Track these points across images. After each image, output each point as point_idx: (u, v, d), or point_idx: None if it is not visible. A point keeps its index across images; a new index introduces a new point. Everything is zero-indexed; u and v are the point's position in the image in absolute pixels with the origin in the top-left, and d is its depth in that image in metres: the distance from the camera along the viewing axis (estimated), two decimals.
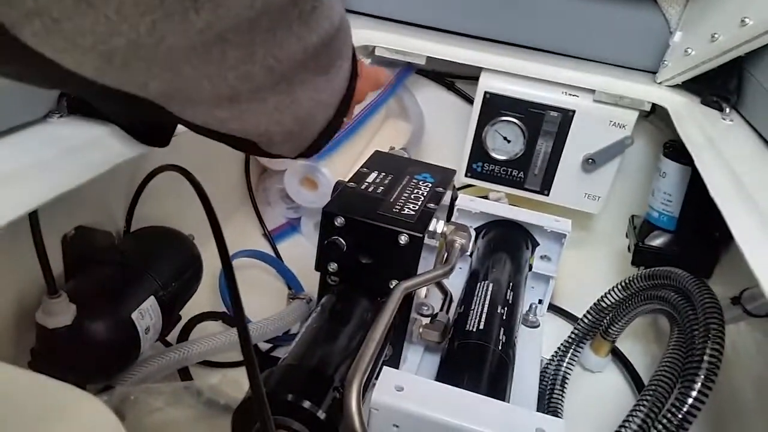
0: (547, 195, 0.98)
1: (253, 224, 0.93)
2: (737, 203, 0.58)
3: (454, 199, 0.77)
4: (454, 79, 1.06)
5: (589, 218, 1.04)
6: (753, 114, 0.76)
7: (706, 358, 0.53)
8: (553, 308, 0.88)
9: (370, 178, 0.66)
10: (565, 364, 0.75)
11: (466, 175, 1.01)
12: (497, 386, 0.58)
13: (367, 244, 0.58)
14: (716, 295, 0.60)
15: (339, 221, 0.58)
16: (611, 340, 0.74)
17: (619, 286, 0.70)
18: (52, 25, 0.20)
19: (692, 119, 0.79)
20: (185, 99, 0.28)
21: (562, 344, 0.78)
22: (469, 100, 1.05)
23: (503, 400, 0.57)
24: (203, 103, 0.29)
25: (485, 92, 0.95)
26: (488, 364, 0.60)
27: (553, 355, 0.78)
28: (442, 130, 1.09)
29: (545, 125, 0.94)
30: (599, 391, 0.76)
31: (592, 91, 0.91)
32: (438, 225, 0.62)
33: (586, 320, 0.75)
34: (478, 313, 0.67)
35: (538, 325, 0.78)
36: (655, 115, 0.94)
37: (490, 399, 0.51)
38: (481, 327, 0.64)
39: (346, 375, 0.48)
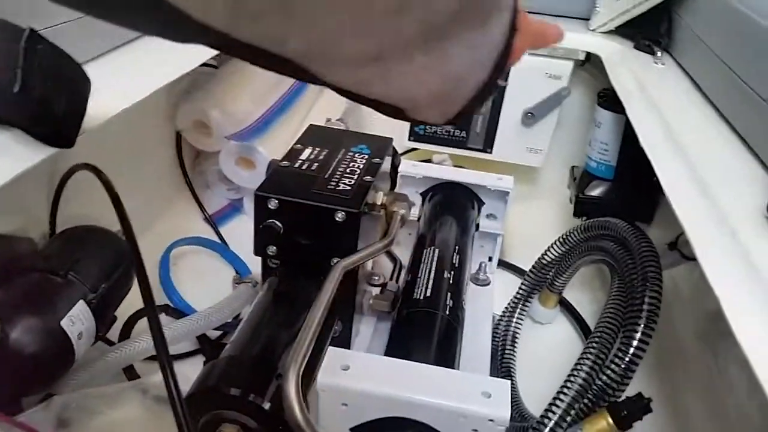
0: (490, 152, 0.98)
1: (194, 209, 0.90)
2: (666, 150, 0.59)
3: (396, 165, 0.76)
4: None
5: (533, 172, 1.05)
6: (683, 56, 0.77)
7: (645, 304, 0.55)
8: (504, 264, 0.89)
9: (304, 155, 0.65)
10: (515, 320, 0.76)
11: (409, 139, 1.00)
12: (446, 352, 0.58)
13: (304, 224, 0.57)
14: (653, 241, 0.62)
15: (272, 204, 0.57)
16: (557, 292, 0.76)
17: (559, 242, 0.71)
18: None
19: (624, 66, 0.79)
20: (327, 58, 0.25)
21: (511, 301, 0.79)
22: None
23: (452, 365, 0.57)
24: (346, 64, 0.26)
25: None
26: (436, 330, 0.60)
27: (503, 312, 0.79)
28: None
29: None
30: (550, 342, 0.78)
31: None
32: (376, 197, 0.61)
33: (530, 277, 0.76)
34: (425, 281, 0.67)
35: (489, 283, 0.79)
36: (590, 64, 0.95)
37: (437, 368, 0.51)
38: (428, 294, 0.65)
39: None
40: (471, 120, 0.96)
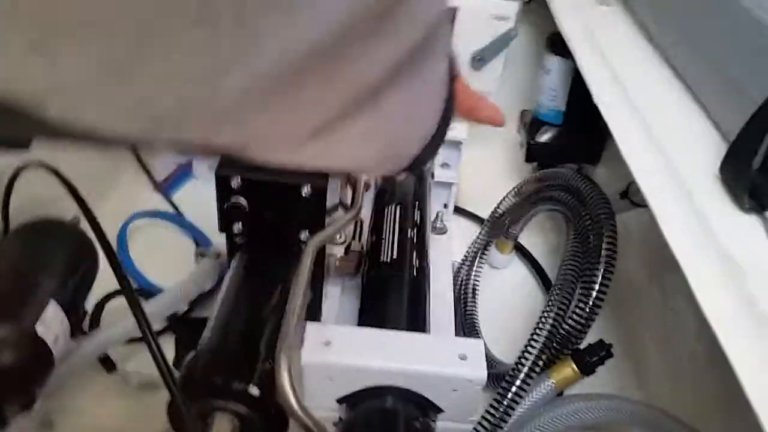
0: None
1: (142, 179, 0.87)
2: (615, 99, 0.61)
3: None
4: None
5: None
6: None
7: (603, 254, 0.58)
8: (459, 211, 0.91)
9: None
10: (474, 270, 0.79)
11: None
12: (417, 314, 0.61)
13: (270, 201, 0.57)
14: (604, 186, 0.65)
15: (235, 182, 0.56)
16: (513, 238, 0.79)
17: (513, 193, 0.73)
18: (78, 101, 0.16)
19: (570, 7, 0.79)
20: (259, 146, 0.23)
21: (470, 250, 0.81)
22: None
23: (423, 326, 0.59)
24: (280, 147, 0.24)
25: None
26: (406, 294, 0.62)
27: (463, 259, 0.82)
28: None
29: None
30: (507, 286, 0.81)
31: None
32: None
33: (486, 228, 0.78)
34: (390, 242, 0.68)
35: (445, 231, 0.81)
36: (536, 3, 0.94)
37: (414, 335, 0.53)
38: (395, 256, 0.66)
39: (271, 342, 0.49)
40: None
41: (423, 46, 0.25)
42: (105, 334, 0.57)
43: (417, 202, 0.75)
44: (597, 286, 0.57)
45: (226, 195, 0.56)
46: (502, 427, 0.53)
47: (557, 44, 0.77)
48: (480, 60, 0.93)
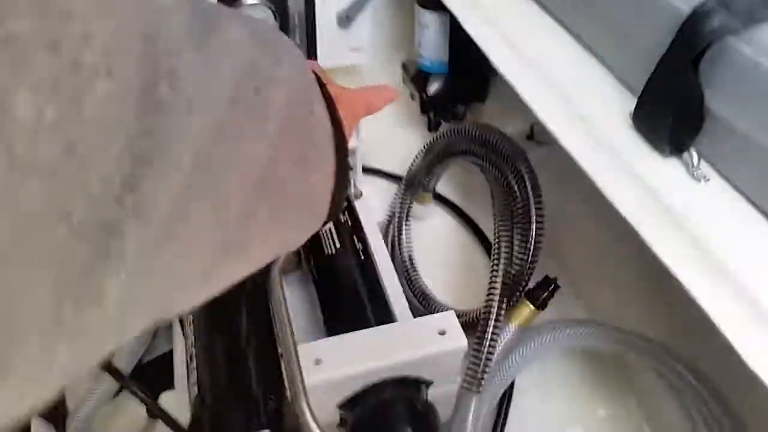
0: (315, 59, 0.96)
1: None
2: (499, 46, 0.64)
3: None
4: None
5: (362, 72, 1.05)
6: None
7: (531, 202, 0.63)
8: (368, 171, 0.93)
9: None
10: (403, 231, 0.82)
11: None
12: (381, 304, 0.63)
13: None
14: (504, 127, 0.69)
15: None
16: (431, 190, 0.82)
17: (422, 152, 0.76)
18: None
19: None
20: (165, 306, 0.22)
21: (392, 210, 0.84)
22: None
23: (390, 312, 0.62)
24: (190, 290, 0.23)
25: None
26: (362, 285, 0.64)
27: (388, 219, 0.85)
28: None
29: None
30: (434, 235, 0.86)
31: None
32: None
33: (403, 188, 0.81)
34: (328, 232, 0.69)
35: (361, 194, 0.83)
36: None
37: (392, 326, 0.56)
38: (338, 246, 0.67)
39: (268, 378, 0.50)
40: (288, 36, 0.92)
41: (293, 114, 0.26)
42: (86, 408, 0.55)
43: None
44: (534, 235, 0.63)
45: None
46: (484, 378, 0.59)
47: (428, 0, 0.78)
48: (347, 18, 0.92)
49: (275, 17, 0.89)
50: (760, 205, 0.44)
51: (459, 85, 0.84)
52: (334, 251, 0.67)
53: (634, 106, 0.51)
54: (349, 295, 0.63)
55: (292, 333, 0.49)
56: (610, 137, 0.51)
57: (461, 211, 0.85)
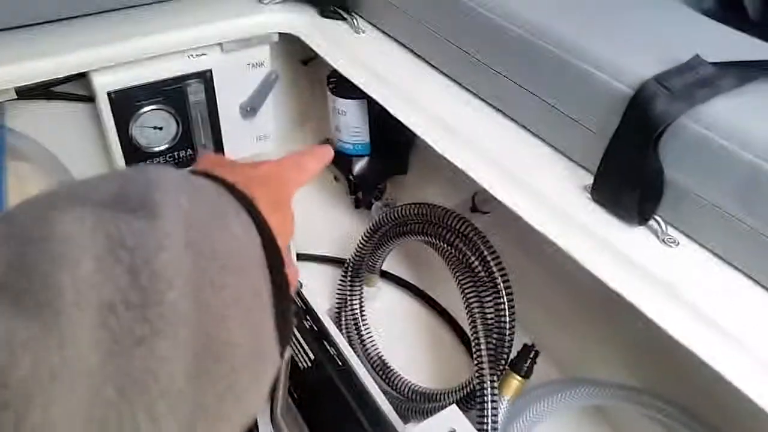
0: (223, 154, 0.93)
1: None
2: (433, 127, 0.65)
3: None
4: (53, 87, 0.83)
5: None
6: (377, 18, 0.81)
7: (497, 276, 0.64)
8: (302, 257, 0.90)
9: None
10: (354, 313, 0.81)
11: None
12: (368, 409, 0.60)
13: None
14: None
15: None
16: (377, 272, 0.82)
17: (363, 238, 0.76)
18: None
19: (332, 44, 0.80)
20: None
21: (340, 296, 0.82)
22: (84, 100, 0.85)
23: (379, 414, 0.60)
24: None
25: (108, 93, 0.78)
26: (349, 395, 0.61)
27: (338, 306, 0.83)
28: (79, 151, 0.88)
29: (190, 96, 0.84)
30: (388, 311, 0.85)
31: (219, 44, 0.83)
32: None
33: (351, 273, 0.80)
34: (298, 344, 0.66)
35: (301, 285, 0.80)
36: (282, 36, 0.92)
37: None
38: (312, 357, 0.64)
39: None
40: (193, 136, 0.88)
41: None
42: None
43: None
44: (505, 300, 0.64)
45: None
46: None
47: (341, 86, 0.78)
48: (251, 110, 0.90)
49: (176, 120, 0.84)
50: (729, 259, 0.48)
51: (382, 163, 0.85)
52: (309, 364, 0.64)
53: (583, 177, 0.55)
54: (341, 412, 0.60)
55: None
56: (570, 208, 0.54)
57: (411, 286, 0.86)
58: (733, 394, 0.42)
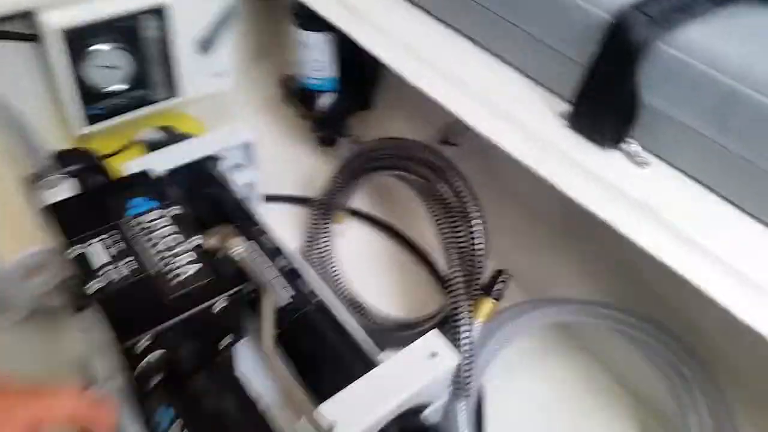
0: (178, 96, 0.89)
1: None
2: (404, 57, 0.64)
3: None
4: None
5: (227, 99, 0.99)
6: None
7: (471, 208, 0.65)
8: (270, 199, 0.89)
9: (100, 257, 0.52)
10: (324, 250, 0.81)
11: (89, 124, 0.83)
12: (347, 338, 0.62)
13: (187, 338, 0.50)
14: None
15: (144, 342, 0.48)
16: (345, 209, 0.82)
17: (334, 174, 0.76)
18: None
19: None
20: None
21: (309, 234, 0.82)
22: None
23: (356, 345, 0.61)
24: None
25: (63, 30, 0.73)
26: (328, 330, 0.62)
27: (307, 244, 0.83)
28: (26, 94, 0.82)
29: (144, 32, 0.80)
30: (357, 248, 0.86)
31: None
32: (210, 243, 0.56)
33: (319, 210, 0.80)
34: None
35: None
36: None
37: (386, 364, 0.56)
38: (291, 295, 0.64)
39: None
40: (148, 74, 0.83)
41: None
42: None
43: (256, 227, 0.71)
44: (477, 226, 0.66)
45: (136, 359, 0.48)
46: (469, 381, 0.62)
47: (307, 19, 0.76)
48: (207, 45, 0.86)
49: (131, 58, 0.80)
50: (699, 178, 0.50)
51: (348, 100, 0.84)
52: (288, 301, 0.64)
53: (558, 105, 0.55)
54: (317, 343, 0.61)
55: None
56: (547, 135, 0.54)
57: (379, 221, 0.86)
58: (703, 309, 0.44)
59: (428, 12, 0.68)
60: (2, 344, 0.69)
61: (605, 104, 0.50)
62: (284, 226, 0.87)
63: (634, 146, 0.51)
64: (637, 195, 0.49)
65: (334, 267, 0.81)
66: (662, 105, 0.49)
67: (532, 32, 0.56)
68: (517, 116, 0.57)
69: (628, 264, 0.66)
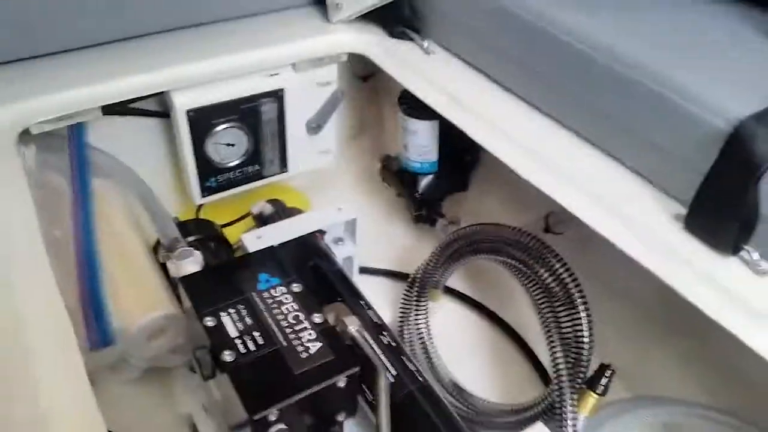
0: (287, 171, 0.95)
1: None
2: (501, 142, 0.68)
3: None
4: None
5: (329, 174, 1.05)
6: (446, 39, 0.83)
7: (577, 298, 0.66)
8: (365, 271, 0.92)
9: (230, 330, 0.56)
10: (425, 334, 0.83)
11: (204, 196, 0.90)
12: (449, 421, 0.62)
13: (308, 412, 0.53)
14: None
15: (273, 416, 0.50)
16: (441, 288, 0.84)
17: (434, 254, 0.79)
18: None
19: (402, 65, 0.82)
20: None
21: (404, 309, 0.84)
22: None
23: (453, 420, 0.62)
24: None
25: (187, 111, 0.81)
26: (432, 413, 0.63)
27: (401, 319, 0.85)
28: (153, 165, 0.90)
29: (263, 115, 0.87)
30: (451, 324, 0.87)
31: (292, 64, 0.86)
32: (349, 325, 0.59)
33: (417, 288, 0.82)
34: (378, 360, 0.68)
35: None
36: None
37: None
38: (395, 373, 0.66)
39: None
40: (261, 152, 0.90)
41: None
42: None
43: (361, 301, 0.74)
44: (584, 317, 0.66)
45: (263, 429, 0.51)
46: None
47: (412, 106, 0.81)
48: (316, 127, 0.92)
49: (248, 137, 0.87)
50: None
51: (446, 182, 0.88)
52: (392, 380, 0.66)
53: (672, 207, 0.57)
54: (429, 427, 0.62)
55: None
56: (662, 235, 0.56)
57: (476, 302, 0.88)
58: None
59: (535, 106, 0.72)
60: (118, 398, 0.74)
61: (724, 212, 0.51)
62: (378, 301, 0.90)
63: (753, 255, 0.52)
64: (756, 303, 0.50)
65: (430, 346, 0.82)
66: None
67: (647, 136, 0.59)
68: (629, 212, 0.58)
69: (734, 365, 0.65)
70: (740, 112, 0.51)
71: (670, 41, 0.63)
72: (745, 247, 0.52)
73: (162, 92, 0.80)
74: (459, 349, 0.85)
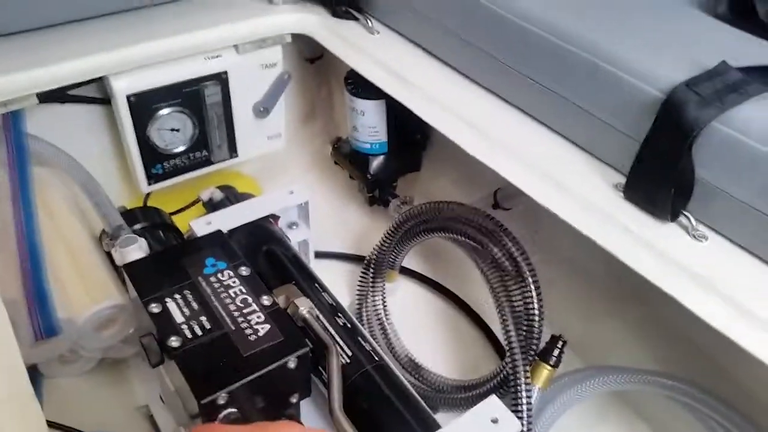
0: (237, 156, 0.94)
1: None
2: (453, 121, 0.68)
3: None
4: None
5: (279, 159, 1.03)
6: (391, 18, 0.82)
7: (527, 274, 0.67)
8: (319, 255, 0.92)
9: (177, 315, 0.55)
10: (375, 308, 0.83)
11: (150, 184, 0.88)
12: (405, 399, 0.63)
13: (260, 395, 0.52)
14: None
15: (221, 399, 0.50)
16: (397, 268, 0.84)
17: (386, 235, 0.79)
18: None
19: (347, 45, 0.81)
20: None
21: (360, 291, 0.84)
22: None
23: (418, 407, 0.62)
24: None
25: (127, 96, 0.79)
26: (389, 391, 0.63)
27: (359, 300, 0.85)
28: (95, 152, 0.87)
29: (207, 98, 0.85)
30: (406, 305, 0.88)
31: (235, 45, 0.84)
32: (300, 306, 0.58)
33: (372, 269, 0.82)
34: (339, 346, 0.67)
35: None
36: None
37: (449, 428, 0.57)
38: (349, 354, 0.66)
39: None
40: (208, 137, 0.88)
41: None
42: None
43: (315, 284, 0.74)
44: (534, 292, 0.67)
45: (210, 413, 0.50)
46: None
47: (359, 86, 0.80)
48: (264, 110, 0.91)
49: (193, 121, 0.85)
50: (756, 252, 0.52)
51: (398, 162, 0.87)
52: (347, 360, 0.66)
53: (612, 176, 0.58)
54: (382, 406, 0.62)
55: None
56: (603, 205, 0.57)
57: (430, 281, 0.88)
58: (761, 379, 0.45)
59: (478, 83, 0.72)
60: (72, 391, 0.72)
61: (660, 178, 0.52)
62: (335, 284, 0.90)
63: (691, 220, 0.53)
64: (697, 268, 0.51)
65: (387, 326, 0.82)
66: (717, 181, 0.51)
67: (583, 106, 0.59)
68: (571, 185, 0.59)
69: (683, 332, 0.67)
70: (673, 78, 0.52)
71: (603, 14, 0.64)
72: (684, 212, 0.54)
73: (101, 77, 0.78)
74: (417, 328, 0.86)
